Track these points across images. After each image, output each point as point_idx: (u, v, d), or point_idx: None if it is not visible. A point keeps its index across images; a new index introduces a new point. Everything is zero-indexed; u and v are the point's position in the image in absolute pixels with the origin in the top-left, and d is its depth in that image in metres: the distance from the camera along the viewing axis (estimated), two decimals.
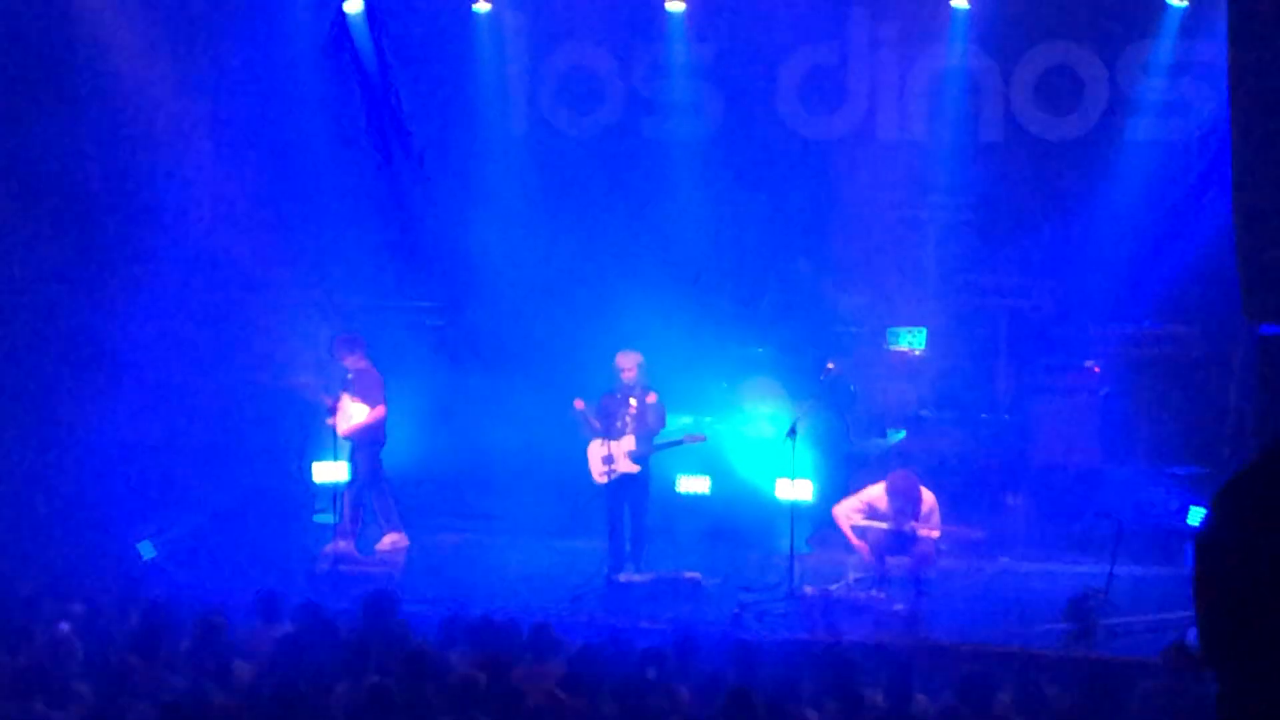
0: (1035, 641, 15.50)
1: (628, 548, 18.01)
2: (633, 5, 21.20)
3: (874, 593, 16.95)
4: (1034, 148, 20.58)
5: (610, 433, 17.82)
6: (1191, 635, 10.09)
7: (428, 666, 11.80)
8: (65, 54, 18.25)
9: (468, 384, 20.48)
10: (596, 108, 21.59)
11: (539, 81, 21.71)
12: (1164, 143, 20.11)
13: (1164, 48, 19.92)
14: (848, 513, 17.24)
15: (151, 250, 19.42)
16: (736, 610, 16.55)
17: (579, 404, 17.90)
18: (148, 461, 18.83)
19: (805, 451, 17.71)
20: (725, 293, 21.21)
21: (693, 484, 19.66)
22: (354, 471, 18.69)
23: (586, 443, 18.02)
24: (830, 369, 17.92)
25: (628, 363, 17.81)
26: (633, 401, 17.80)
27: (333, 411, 18.58)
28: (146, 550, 17.96)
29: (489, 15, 21.42)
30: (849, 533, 17.14)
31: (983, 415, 20.22)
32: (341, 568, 17.87)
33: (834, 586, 17.13)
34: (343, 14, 20.98)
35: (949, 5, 20.36)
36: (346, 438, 18.56)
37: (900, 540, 16.99)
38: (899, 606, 16.70)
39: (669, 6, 21.00)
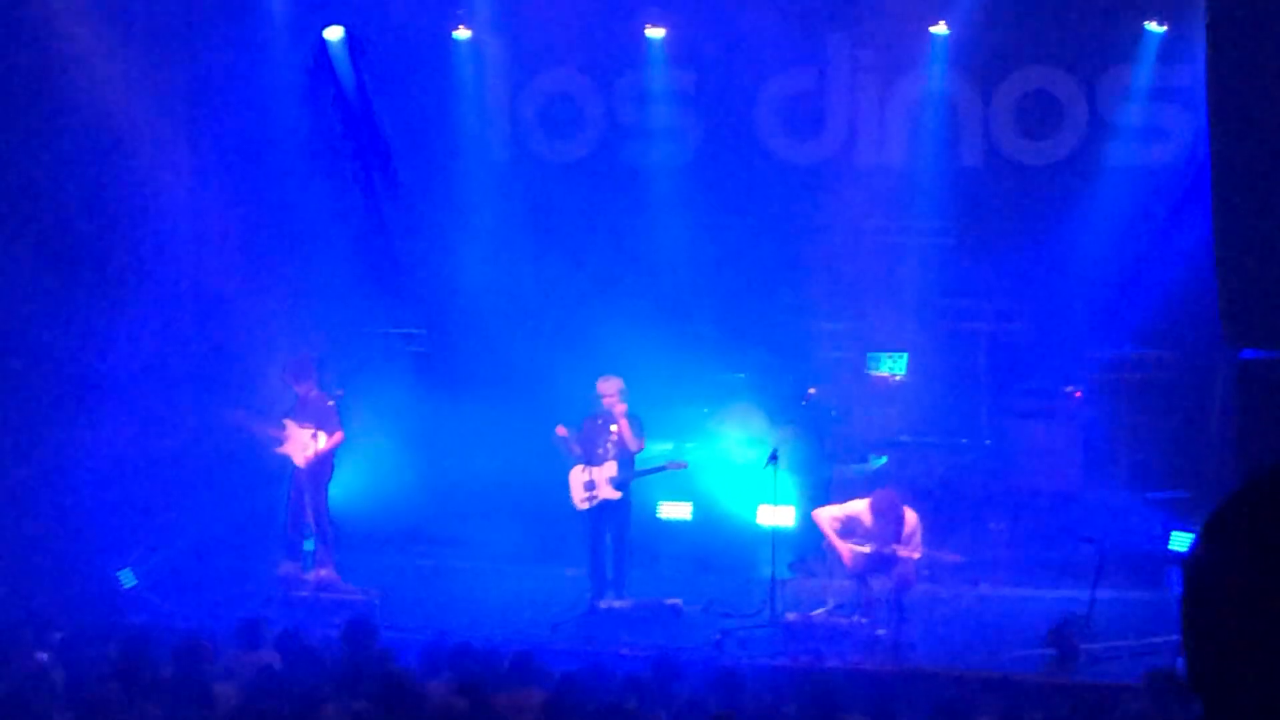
0: (1017, 666, 15.51)
1: (609, 574, 17.98)
2: (612, 31, 21.22)
3: (855, 618, 16.94)
4: (1014, 172, 20.64)
5: (592, 459, 17.80)
6: (1180, 663, 10.08)
7: (408, 694, 11.75)
8: (42, 80, 18.20)
9: (449, 410, 20.43)
10: (577, 134, 21.61)
11: (519, 107, 21.73)
12: (1143, 167, 20.17)
13: (1143, 73, 19.99)
14: (829, 518, 17.23)
15: (132, 277, 19.36)
16: (718, 637, 16.53)
17: (561, 430, 17.88)
18: (128, 489, 18.75)
19: (786, 477, 17.69)
20: (705, 318, 21.21)
21: (674, 510, 19.66)
22: (308, 497, 18.51)
23: (568, 469, 17.99)
24: (811, 394, 17.91)
25: (609, 388, 17.80)
26: (614, 428, 17.78)
27: (280, 441, 18.51)
28: (127, 578, 17.91)
29: (469, 42, 21.47)
30: (830, 534, 17.10)
31: (963, 440, 20.24)
32: (322, 595, 17.82)
33: (816, 612, 17.13)
34: (323, 41, 21.00)
35: (928, 30, 20.42)
36: (309, 467, 18.43)
37: (882, 560, 16.98)
38: (881, 632, 16.69)
39: (649, 32, 21.05)
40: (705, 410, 20.33)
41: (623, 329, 19.48)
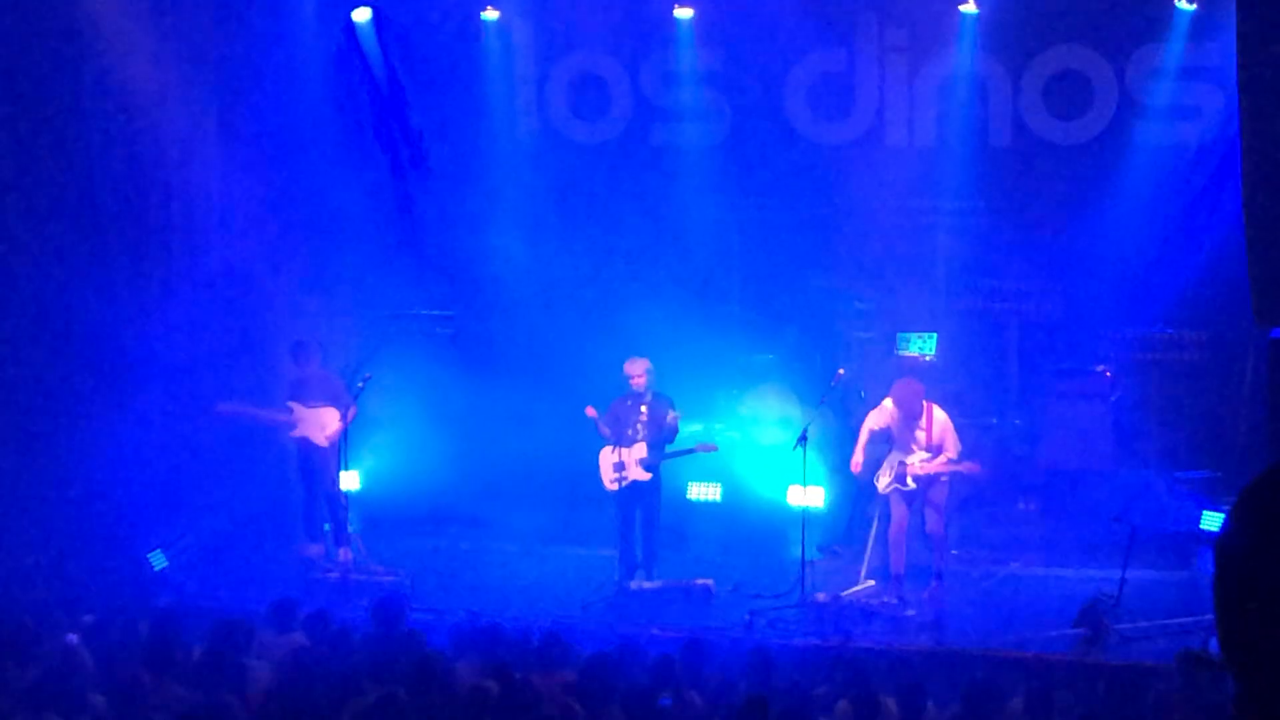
0: (1047, 647, 15.47)
1: (639, 555, 17.98)
2: (641, 12, 21.19)
3: (886, 599, 16.95)
4: (1043, 152, 20.56)
5: (621, 440, 17.78)
6: (1213, 643, 10.07)
7: (438, 675, 11.78)
8: (74, 66, 18.24)
9: (477, 391, 20.43)
10: (605, 115, 21.60)
11: (548, 89, 21.73)
12: (1173, 146, 20.08)
13: (1173, 51, 19.88)
14: (865, 429, 17.45)
15: (164, 262, 19.41)
16: (748, 617, 16.53)
17: (590, 411, 17.86)
18: (159, 471, 18.79)
19: (815, 458, 17.68)
20: (735, 299, 21.21)
21: (704, 491, 19.68)
22: (330, 477, 18.53)
23: (597, 450, 17.99)
24: (841, 375, 17.89)
25: (636, 369, 17.78)
26: (643, 408, 17.76)
27: (291, 425, 18.52)
28: (158, 560, 17.96)
29: (497, 23, 21.45)
30: (860, 443, 17.42)
31: (993, 420, 20.20)
32: (351, 576, 17.85)
33: (847, 592, 17.13)
34: (351, 23, 21.01)
35: (957, 10, 20.34)
36: (332, 445, 18.43)
37: (902, 476, 17.09)
38: (910, 612, 16.69)
39: (677, 13, 21.00)
40: (734, 391, 20.32)
41: (652, 310, 19.49)
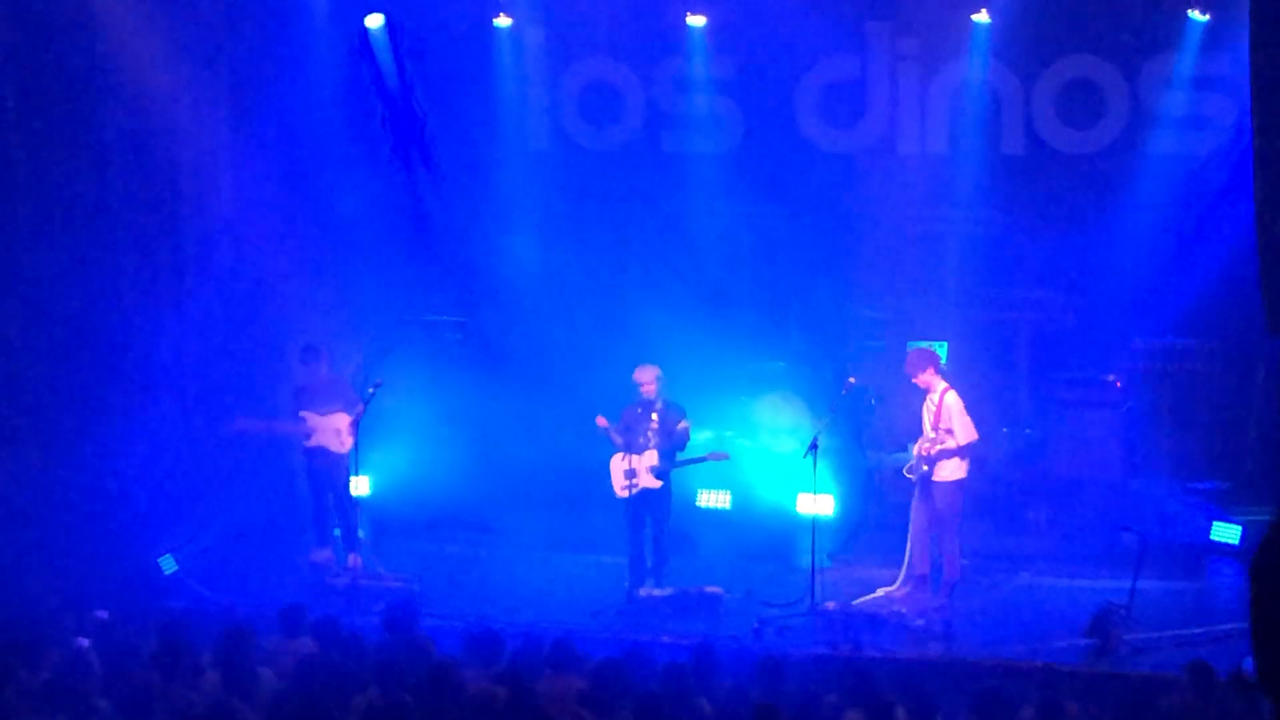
0: (1057, 657, 15.43)
1: (649, 562, 17.96)
2: (653, 19, 21.20)
3: (896, 608, 16.93)
4: (1055, 162, 20.58)
5: (632, 447, 17.77)
6: (1248, 663, 10.03)
7: (448, 681, 11.78)
8: (88, 72, 18.26)
9: (488, 398, 20.45)
10: (617, 122, 21.62)
11: (559, 96, 21.75)
12: (1185, 157, 20.09)
13: (1185, 61, 19.89)
14: None
15: (178, 267, 19.44)
16: (757, 625, 16.52)
17: (601, 421, 17.84)
18: (171, 475, 18.82)
19: (826, 466, 17.67)
20: (746, 307, 21.21)
21: (714, 499, 19.69)
22: (343, 482, 18.51)
23: (608, 456, 17.98)
24: (851, 383, 17.88)
25: (646, 376, 17.75)
26: (654, 416, 17.75)
27: (307, 435, 18.50)
28: (168, 564, 17.97)
29: (509, 30, 21.46)
30: None
31: (1004, 429, 20.22)
32: (361, 582, 17.85)
33: (857, 601, 17.11)
34: (364, 29, 21.02)
35: (970, 19, 20.35)
36: (346, 450, 18.38)
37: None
38: (920, 622, 16.67)
39: (689, 21, 21.02)
40: (745, 398, 20.32)
41: (663, 317, 19.51)
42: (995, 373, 20.47)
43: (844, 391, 17.89)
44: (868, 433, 19.94)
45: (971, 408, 17.40)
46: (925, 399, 17.37)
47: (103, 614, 14.22)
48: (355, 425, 18.19)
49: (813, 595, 16.97)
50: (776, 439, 19.60)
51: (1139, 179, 20.19)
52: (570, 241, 21.34)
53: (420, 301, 21.45)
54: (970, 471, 17.37)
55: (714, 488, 19.66)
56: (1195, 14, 19.74)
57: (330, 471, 18.51)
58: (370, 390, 18.26)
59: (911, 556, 17.44)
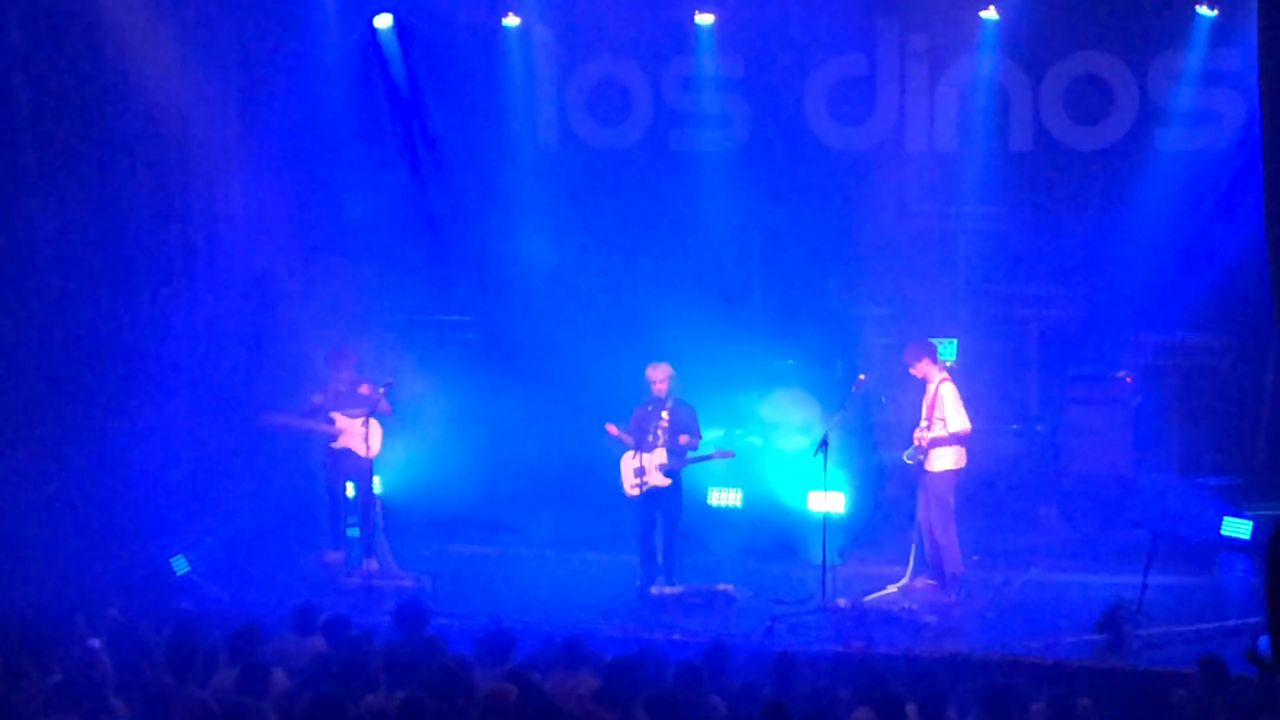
0: (1068, 653, 15.43)
1: (660, 560, 17.96)
2: (661, 17, 21.20)
3: (906, 604, 16.93)
4: (1064, 158, 20.57)
5: (642, 445, 17.77)
6: (1262, 642, 10.06)
7: (459, 680, 11.79)
8: (101, 75, 18.28)
9: (498, 397, 20.46)
10: (625, 120, 21.63)
11: (568, 94, 21.76)
12: (1194, 152, 20.07)
13: (1194, 57, 19.87)
14: None
15: (187, 268, 19.44)
16: (769, 623, 16.52)
17: (611, 429, 17.83)
18: (182, 475, 18.84)
19: (837, 463, 17.68)
20: (755, 304, 21.23)
21: (724, 496, 19.71)
22: (366, 486, 18.51)
23: (618, 455, 17.98)
24: (861, 381, 17.88)
25: (658, 374, 17.75)
26: (664, 414, 17.75)
27: (335, 435, 18.51)
28: (180, 565, 17.98)
29: (518, 29, 21.48)
30: None
31: (1014, 426, 20.22)
32: (373, 581, 17.86)
33: (868, 598, 17.11)
34: (373, 29, 21.04)
35: (978, 16, 20.34)
36: (373, 454, 18.36)
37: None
38: (931, 618, 16.67)
39: (698, 19, 21.03)
40: (755, 396, 20.33)
41: (672, 315, 19.51)
42: (1005, 369, 20.48)
43: (854, 389, 17.88)
44: (878, 430, 19.93)
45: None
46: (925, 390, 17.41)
47: (113, 611, 14.23)
48: (368, 421, 18.15)
49: (824, 592, 16.99)
50: (787, 437, 19.62)
51: (1148, 174, 20.17)
52: (580, 240, 21.36)
53: (430, 301, 21.48)
54: (965, 464, 17.34)
55: (725, 486, 19.67)
56: (1203, 9, 19.72)
57: (353, 474, 18.52)
58: (380, 390, 18.28)
59: (918, 551, 17.46)
